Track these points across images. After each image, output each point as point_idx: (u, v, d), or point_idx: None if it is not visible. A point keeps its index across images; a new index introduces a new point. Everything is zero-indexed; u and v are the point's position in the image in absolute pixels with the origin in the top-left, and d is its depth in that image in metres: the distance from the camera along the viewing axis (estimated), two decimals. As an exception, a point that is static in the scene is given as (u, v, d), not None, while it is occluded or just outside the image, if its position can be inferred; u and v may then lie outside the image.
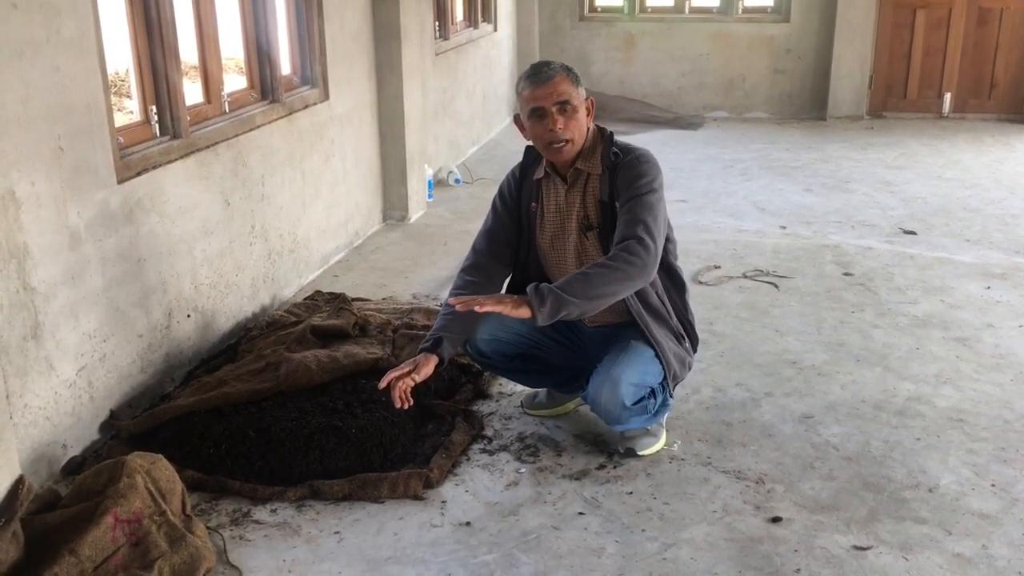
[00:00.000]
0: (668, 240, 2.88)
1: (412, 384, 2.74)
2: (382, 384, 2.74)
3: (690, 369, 3.04)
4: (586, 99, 2.83)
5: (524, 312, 2.55)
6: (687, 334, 3.01)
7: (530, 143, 2.92)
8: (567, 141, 2.78)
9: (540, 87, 2.75)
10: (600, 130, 2.91)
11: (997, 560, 2.46)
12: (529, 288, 2.59)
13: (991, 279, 4.50)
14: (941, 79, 8.35)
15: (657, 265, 2.74)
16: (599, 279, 2.62)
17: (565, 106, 2.76)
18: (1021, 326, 3.95)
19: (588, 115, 2.84)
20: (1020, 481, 2.82)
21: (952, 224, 5.41)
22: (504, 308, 2.55)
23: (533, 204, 2.97)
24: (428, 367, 2.78)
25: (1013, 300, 4.24)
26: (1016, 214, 5.58)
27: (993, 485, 2.80)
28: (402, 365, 2.79)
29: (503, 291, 3.12)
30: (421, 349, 2.85)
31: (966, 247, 4.99)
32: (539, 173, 2.95)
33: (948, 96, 8.37)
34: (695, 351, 3.07)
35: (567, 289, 2.59)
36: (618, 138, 2.90)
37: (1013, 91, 8.26)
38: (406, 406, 2.74)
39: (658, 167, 2.84)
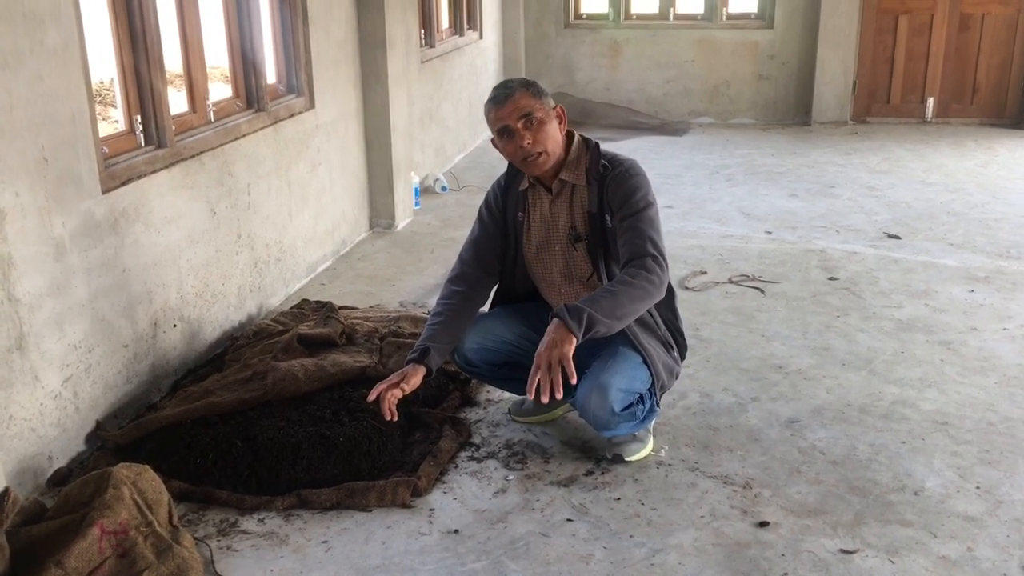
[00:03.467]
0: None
1: (400, 395, 2.75)
2: (371, 397, 2.75)
3: (677, 378, 3.06)
4: (554, 107, 2.85)
5: (569, 337, 2.52)
6: (676, 342, 3.02)
7: None
8: (540, 153, 2.80)
9: (501, 107, 2.78)
10: (584, 140, 2.93)
11: (982, 562, 2.47)
12: (561, 308, 2.57)
13: (975, 283, 4.53)
14: (924, 84, 8.42)
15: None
16: (626, 298, 2.63)
17: (530, 120, 2.77)
18: (1005, 329, 3.98)
19: (561, 123, 2.85)
20: (1004, 483, 2.84)
21: (936, 228, 5.44)
22: (567, 348, 2.51)
23: (520, 214, 2.98)
24: (416, 378, 2.79)
25: (996, 303, 4.27)
26: (999, 218, 5.62)
27: (978, 487, 2.82)
28: (390, 377, 2.79)
29: (490, 300, 3.14)
30: (408, 360, 2.85)
31: (950, 251, 5.02)
32: (524, 183, 2.97)
33: (931, 101, 8.43)
34: (683, 358, 3.08)
35: (596, 308, 2.57)
36: (603, 147, 2.92)
37: (995, 96, 8.32)
38: (395, 419, 2.75)
39: (647, 178, 2.87)
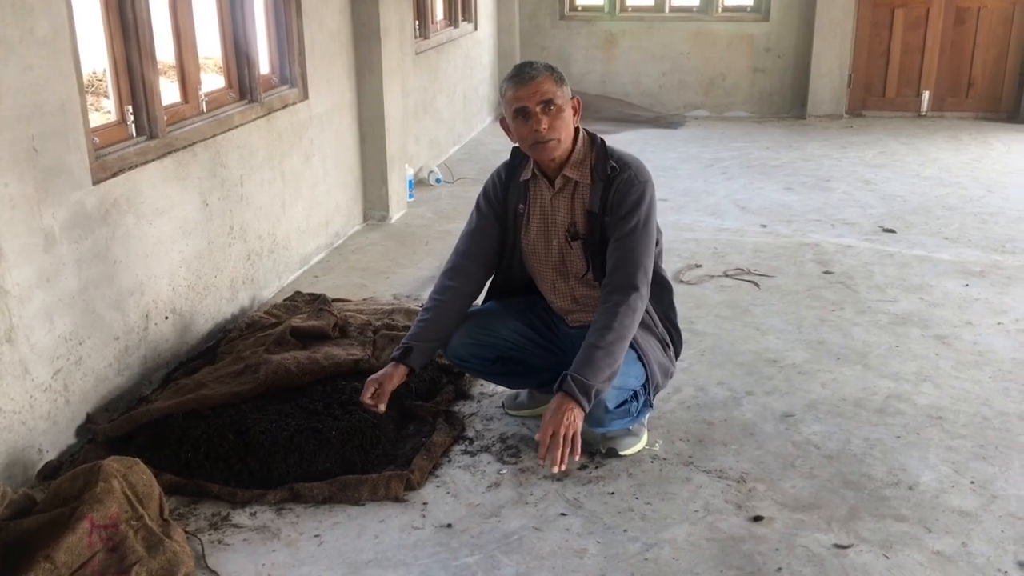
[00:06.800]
0: (656, 243, 2.88)
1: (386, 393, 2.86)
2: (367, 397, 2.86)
3: (671, 377, 3.05)
4: (571, 99, 2.82)
5: (580, 413, 2.60)
6: (672, 339, 3.01)
7: (516, 145, 2.92)
8: (552, 139, 2.77)
9: (523, 87, 2.74)
10: (591, 138, 2.90)
11: (977, 557, 2.47)
12: (569, 384, 2.60)
13: (969, 277, 4.53)
14: (919, 78, 8.40)
15: None
16: (619, 351, 2.69)
17: (549, 105, 2.74)
18: (999, 323, 3.98)
19: (575, 115, 2.83)
20: (999, 478, 2.83)
21: (931, 222, 5.44)
22: (579, 424, 2.61)
23: (521, 205, 2.96)
24: (394, 381, 2.86)
25: (991, 297, 4.27)
26: (994, 212, 5.62)
27: (972, 482, 2.81)
28: (368, 383, 2.87)
29: (484, 293, 3.12)
30: (391, 359, 2.90)
31: (945, 245, 5.02)
32: (526, 174, 2.94)
33: (926, 95, 8.42)
34: (679, 355, 3.07)
35: (597, 377, 2.63)
36: (607, 143, 2.89)
37: (990, 89, 8.32)
38: (381, 409, 2.86)
39: (652, 183, 2.85)
